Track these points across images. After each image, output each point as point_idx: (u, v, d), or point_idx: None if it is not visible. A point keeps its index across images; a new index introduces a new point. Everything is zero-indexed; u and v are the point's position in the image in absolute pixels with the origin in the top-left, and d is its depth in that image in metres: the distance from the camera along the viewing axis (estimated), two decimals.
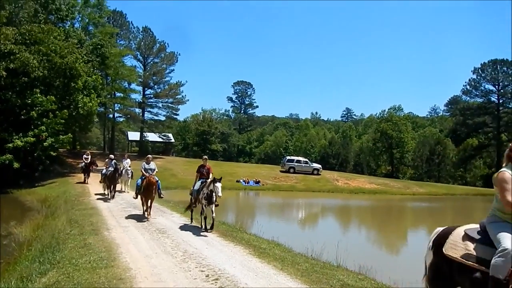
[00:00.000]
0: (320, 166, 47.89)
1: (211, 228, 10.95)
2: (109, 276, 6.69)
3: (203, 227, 11.18)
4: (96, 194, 19.61)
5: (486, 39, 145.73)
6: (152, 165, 13.83)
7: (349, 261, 9.30)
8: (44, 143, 27.45)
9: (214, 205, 10.81)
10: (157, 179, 13.32)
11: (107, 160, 20.72)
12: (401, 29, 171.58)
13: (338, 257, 9.37)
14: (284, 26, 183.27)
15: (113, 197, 18.07)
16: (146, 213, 13.22)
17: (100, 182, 20.99)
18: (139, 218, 12.93)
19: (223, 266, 7.51)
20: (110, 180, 18.35)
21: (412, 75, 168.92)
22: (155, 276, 6.86)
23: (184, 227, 11.85)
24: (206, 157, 12.82)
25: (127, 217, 13.18)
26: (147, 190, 12.79)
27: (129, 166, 21.28)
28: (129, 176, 21.23)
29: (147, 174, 13.12)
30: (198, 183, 11.54)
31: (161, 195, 14.33)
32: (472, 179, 66.26)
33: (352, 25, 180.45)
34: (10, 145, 26.05)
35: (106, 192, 19.30)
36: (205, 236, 10.53)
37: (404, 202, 36.91)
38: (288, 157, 48.64)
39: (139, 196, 13.69)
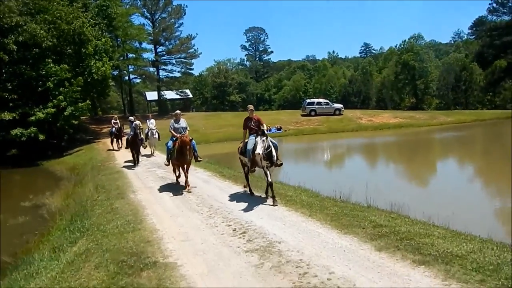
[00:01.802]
0: (341, 105, 46.97)
1: (273, 197, 8.44)
2: (136, 240, 6.65)
3: (269, 196, 8.69)
4: (126, 162, 17.57)
5: None
6: (183, 122, 11.57)
7: (380, 200, 8.99)
8: (65, 112, 27.62)
9: (274, 165, 8.61)
10: (192, 139, 10.75)
11: (129, 123, 18.28)
12: None
13: (368, 197, 9.08)
14: None
15: (137, 163, 16.28)
16: (182, 181, 11.27)
17: (126, 148, 18.70)
18: (164, 177, 12.90)
19: (250, 218, 7.37)
20: (132, 146, 16.33)
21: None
22: (182, 235, 6.78)
23: (208, 182, 11.77)
24: (251, 107, 9.95)
25: (152, 178, 13.18)
26: (181, 154, 10.48)
27: (154, 127, 19.20)
28: (155, 137, 19.25)
29: (178, 134, 11.00)
30: (251, 141, 8.90)
31: (199, 158, 11.78)
32: (502, 102, 63.62)
33: None
34: (33, 118, 26.43)
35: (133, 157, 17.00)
36: (231, 190, 10.40)
37: (431, 133, 36.04)
38: (308, 100, 47.84)
39: (171, 163, 11.60)
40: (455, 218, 7.60)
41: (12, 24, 26.19)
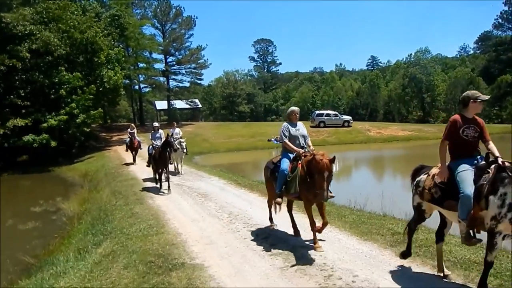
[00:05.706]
0: (350, 117, 47.11)
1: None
2: (161, 242, 6.86)
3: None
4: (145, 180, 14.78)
5: None
6: (302, 127, 7.24)
7: (395, 210, 9.10)
8: (77, 120, 28.01)
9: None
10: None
11: (152, 132, 14.77)
12: None
13: (384, 207, 9.22)
14: None
15: (168, 187, 11.89)
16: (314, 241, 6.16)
17: (147, 165, 14.62)
18: (180, 184, 13.09)
19: None
20: (158, 162, 12.20)
21: (437, 14, 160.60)
22: (206, 238, 6.97)
23: (224, 189, 11.95)
24: (479, 95, 4.80)
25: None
26: (312, 183, 5.81)
27: (181, 137, 16.08)
28: (184, 150, 15.84)
29: (300, 150, 6.58)
30: (468, 172, 4.39)
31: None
32: (508, 117, 63.56)
33: None
34: (45, 125, 26.75)
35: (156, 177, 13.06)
36: (248, 197, 10.58)
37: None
38: (317, 112, 47.99)
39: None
40: None
41: (26, 32, 26.70)
